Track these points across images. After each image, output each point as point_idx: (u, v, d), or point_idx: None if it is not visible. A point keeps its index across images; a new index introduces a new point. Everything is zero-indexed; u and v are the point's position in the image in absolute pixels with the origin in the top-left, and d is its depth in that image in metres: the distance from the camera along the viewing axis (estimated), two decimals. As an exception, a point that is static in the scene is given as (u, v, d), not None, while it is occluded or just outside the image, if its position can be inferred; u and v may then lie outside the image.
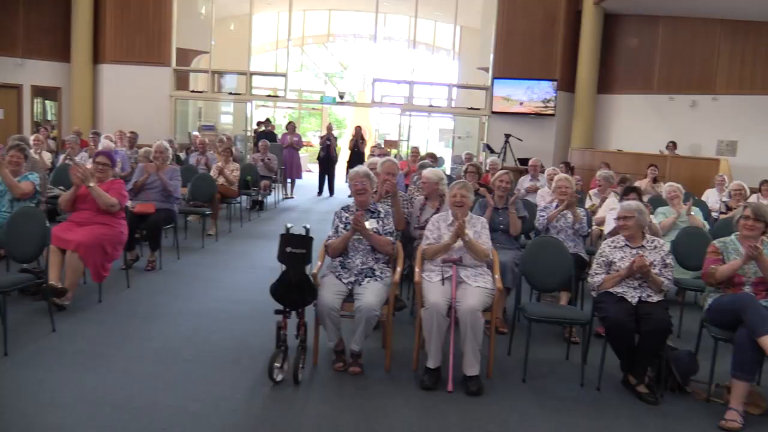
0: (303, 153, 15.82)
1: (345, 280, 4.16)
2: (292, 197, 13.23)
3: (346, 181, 14.19)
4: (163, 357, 4.22)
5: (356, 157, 13.85)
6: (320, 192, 14.00)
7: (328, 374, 4.11)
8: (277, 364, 3.85)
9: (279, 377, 3.85)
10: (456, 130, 17.25)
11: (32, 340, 4.37)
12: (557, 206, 5.67)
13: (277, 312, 4.02)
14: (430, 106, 16.34)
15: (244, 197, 10.13)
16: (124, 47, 14.67)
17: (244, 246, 8.11)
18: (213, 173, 8.65)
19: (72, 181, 5.24)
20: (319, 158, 14.01)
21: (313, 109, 21.21)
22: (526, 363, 4.23)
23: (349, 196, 13.87)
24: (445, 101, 16.16)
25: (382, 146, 13.97)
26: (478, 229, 4.39)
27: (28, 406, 3.43)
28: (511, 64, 15.00)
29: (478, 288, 4.11)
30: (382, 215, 4.43)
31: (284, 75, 15.60)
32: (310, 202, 13.03)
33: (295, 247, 3.86)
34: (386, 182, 5.28)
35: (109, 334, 4.61)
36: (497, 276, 4.30)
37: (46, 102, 15.69)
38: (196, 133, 15.43)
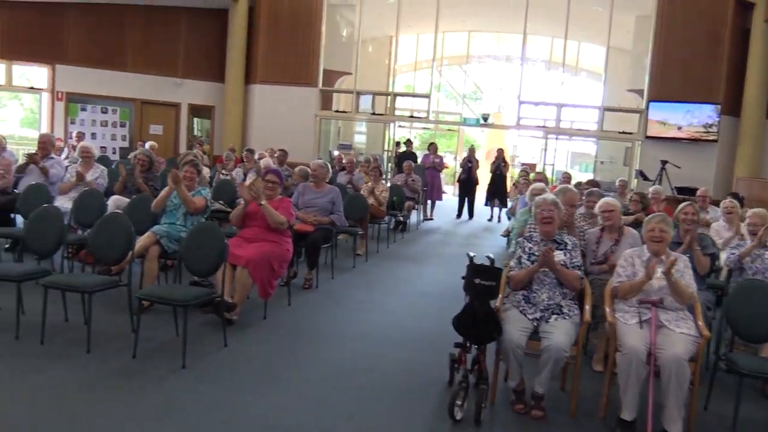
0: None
1: (530, 316, 3.85)
2: (431, 218, 13.06)
3: (486, 204, 13.94)
4: (335, 382, 4.10)
5: (498, 180, 13.50)
6: (459, 215, 13.75)
7: (509, 416, 3.80)
8: (458, 402, 3.60)
9: (459, 415, 3.60)
10: (599, 155, 16.45)
11: (207, 354, 4.41)
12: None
13: (457, 345, 3.78)
14: (578, 129, 15.64)
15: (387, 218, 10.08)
16: (275, 68, 15.26)
17: (392, 268, 8.00)
18: (364, 193, 8.63)
19: (243, 198, 5.31)
20: (459, 180, 13.77)
21: (449, 130, 21.08)
22: (735, 422, 3.70)
23: (489, 220, 13.77)
24: (587, 124, 15.42)
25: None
26: (680, 267, 3.92)
27: (208, 424, 3.40)
28: (668, 86, 14.05)
29: (682, 334, 3.66)
30: (569, 247, 4.08)
31: (427, 96, 15.57)
32: (450, 225, 12.80)
33: (484, 279, 3.59)
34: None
35: (278, 354, 4.57)
36: (701, 323, 3.82)
37: (195, 119, 16.64)
38: (336, 152, 15.76)
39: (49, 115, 14.47)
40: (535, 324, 3.82)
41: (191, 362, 4.17)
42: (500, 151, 13.96)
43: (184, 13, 15.37)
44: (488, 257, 3.91)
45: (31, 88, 14.63)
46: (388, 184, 9.47)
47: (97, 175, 7.22)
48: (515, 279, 4.00)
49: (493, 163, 13.81)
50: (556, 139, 15.38)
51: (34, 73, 14.83)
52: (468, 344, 3.75)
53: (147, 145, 10.93)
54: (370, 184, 9.05)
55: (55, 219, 4.83)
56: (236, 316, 5.05)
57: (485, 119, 15.44)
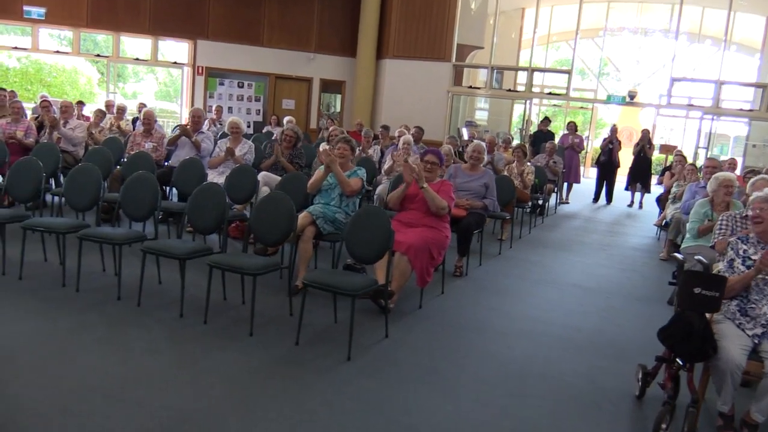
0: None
1: (749, 332, 3.30)
2: (567, 202, 12.36)
3: (626, 189, 13.00)
4: (511, 387, 3.75)
5: (642, 163, 12.54)
6: (596, 199, 12.93)
7: (719, 445, 3.30)
8: (663, 425, 3.15)
9: (664, 441, 3.15)
10: (751, 137, 14.93)
11: (369, 345, 4.19)
12: None
13: (661, 360, 3.31)
14: (739, 110, 14.21)
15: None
16: (407, 42, 14.92)
17: (538, 255, 7.52)
18: (507, 174, 8.16)
19: (405, 180, 5.03)
20: (598, 162, 12.92)
21: (581, 107, 19.90)
22: None
23: (629, 206, 12.85)
24: (734, 103, 13.95)
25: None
26: None
27: (377, 423, 3.16)
28: None
29: None
30: (798, 251, 3.46)
31: (568, 72, 14.70)
32: (588, 210, 12.05)
33: (705, 289, 3.08)
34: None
35: (440, 347, 4.29)
36: None
37: (323, 94, 16.65)
38: (465, 129, 15.26)
39: (189, 89, 14.96)
40: (755, 341, 3.27)
41: (355, 354, 3.96)
42: (645, 132, 12.93)
43: (319, -14, 15.36)
44: (700, 261, 3.38)
45: (174, 63, 15.18)
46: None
47: (245, 150, 7.23)
48: (729, 286, 3.44)
49: (637, 144, 12.83)
50: (712, 120, 14.05)
51: (169, 48, 15.34)
52: (675, 359, 3.26)
53: (286, 120, 10.98)
54: (514, 165, 8.55)
55: (216, 196, 4.76)
56: (393, 305, 4.82)
57: (632, 97, 14.36)
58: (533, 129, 14.47)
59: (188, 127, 7.55)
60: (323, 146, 6.86)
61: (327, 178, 5.34)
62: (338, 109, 16.30)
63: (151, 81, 26.38)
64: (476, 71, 15.96)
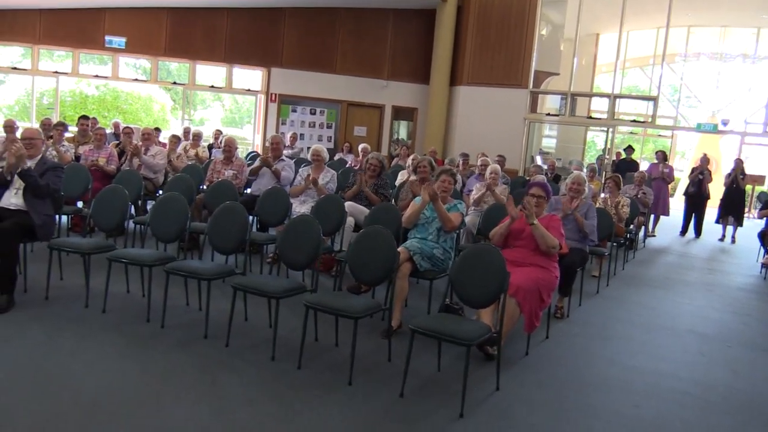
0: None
1: None
2: (654, 235, 11.62)
3: (717, 222, 12.17)
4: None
5: (735, 194, 11.73)
6: (684, 232, 12.14)
7: None
8: None
9: None
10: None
11: (480, 400, 3.75)
12: None
13: None
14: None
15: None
16: (482, 69, 14.53)
17: (638, 295, 6.93)
18: (602, 206, 7.61)
19: (511, 215, 4.61)
20: (686, 193, 12.15)
21: (659, 135, 19.07)
22: None
23: (720, 240, 12.01)
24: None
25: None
26: None
27: None
28: None
29: None
30: None
31: (654, 99, 14.01)
32: (678, 243, 11.30)
33: None
34: None
35: (560, 405, 3.80)
36: None
37: (394, 122, 16.40)
38: (539, 157, 14.73)
39: (263, 115, 14.97)
40: None
41: (466, 408, 3.53)
42: (738, 162, 12.10)
43: (392, 14, 15.17)
44: None
45: (248, 90, 15.25)
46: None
47: (328, 179, 6.96)
48: None
49: (729, 175, 12.02)
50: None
51: (242, 76, 15.44)
52: None
53: (360, 147, 10.73)
54: (608, 197, 7.99)
55: (311, 230, 4.44)
56: (496, 351, 4.37)
57: (725, 124, 13.55)
58: (615, 157, 13.78)
59: (269, 156, 7.35)
60: (412, 177, 6.52)
61: (423, 211, 4.97)
62: (404, 136, 16.03)
63: (218, 108, 26.83)
64: (547, 98, 15.45)
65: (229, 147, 7.50)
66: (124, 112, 19.94)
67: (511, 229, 4.72)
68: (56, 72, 14.52)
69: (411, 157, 9.19)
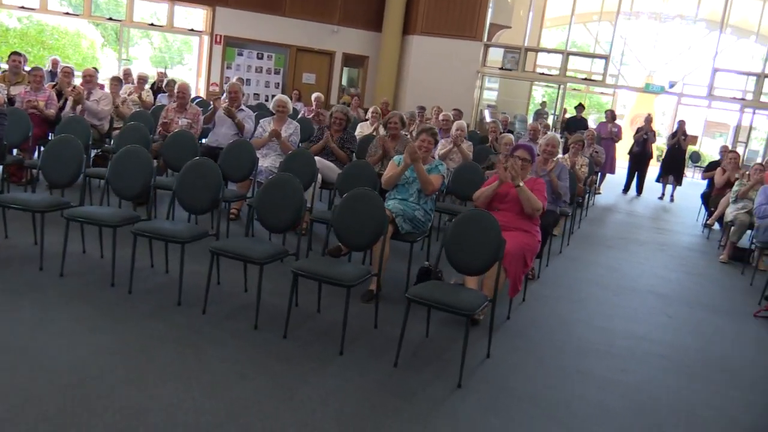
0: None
1: None
2: (599, 192, 11.87)
3: (657, 180, 12.54)
4: (648, 423, 3.28)
5: (676, 155, 12.09)
6: (626, 190, 12.50)
7: None
8: None
9: None
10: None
11: (474, 368, 3.70)
12: None
13: None
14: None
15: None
16: (437, 19, 14.20)
17: (597, 255, 7.08)
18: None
19: (501, 177, 4.50)
20: (631, 152, 12.43)
21: (603, 93, 19.32)
22: None
23: (659, 198, 12.40)
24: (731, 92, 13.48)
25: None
26: None
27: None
28: None
29: None
30: None
31: (605, 57, 14.09)
32: (622, 201, 11.61)
33: None
34: None
35: (545, 371, 3.81)
36: None
37: (345, 69, 15.94)
38: (487, 112, 14.71)
39: (207, 58, 14.21)
40: None
41: (464, 380, 3.47)
42: (681, 123, 12.42)
43: (345, -44, 14.58)
44: None
45: (191, 30, 14.40)
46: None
47: (291, 131, 6.64)
48: None
49: (672, 135, 12.36)
50: (753, 113, 13.55)
51: (183, 14, 14.56)
52: None
53: (314, 97, 10.34)
54: (567, 156, 8.01)
55: (292, 189, 4.20)
56: (482, 316, 4.32)
57: (671, 85, 13.83)
58: (568, 115, 13.88)
59: (226, 104, 6.94)
60: (382, 131, 6.29)
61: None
62: (352, 85, 15.62)
63: (146, 46, 25.31)
64: (491, 51, 15.31)
65: (183, 93, 7.01)
66: (49, 48, 18.59)
67: (497, 191, 4.62)
68: (-25, 1, 13.28)
69: (371, 110, 8.93)
